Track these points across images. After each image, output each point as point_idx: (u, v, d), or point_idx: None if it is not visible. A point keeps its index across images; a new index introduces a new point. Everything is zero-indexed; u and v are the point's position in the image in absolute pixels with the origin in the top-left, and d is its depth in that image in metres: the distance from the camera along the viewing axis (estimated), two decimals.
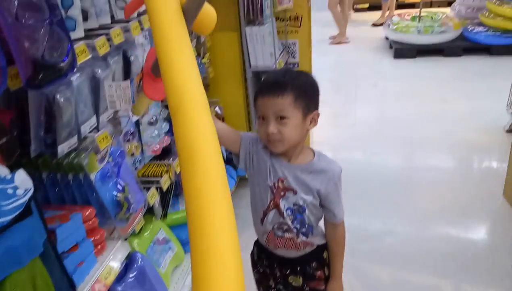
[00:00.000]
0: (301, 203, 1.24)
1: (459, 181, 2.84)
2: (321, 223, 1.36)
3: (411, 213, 2.58)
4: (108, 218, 1.41)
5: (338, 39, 6.32)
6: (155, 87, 0.93)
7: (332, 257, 1.36)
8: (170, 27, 0.70)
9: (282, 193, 1.24)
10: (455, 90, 4.28)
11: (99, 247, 1.35)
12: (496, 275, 2.06)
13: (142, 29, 1.64)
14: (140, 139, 1.72)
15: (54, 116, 1.17)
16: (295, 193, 1.23)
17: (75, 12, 1.26)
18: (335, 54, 5.95)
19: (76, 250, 1.24)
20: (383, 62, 5.44)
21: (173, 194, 2.06)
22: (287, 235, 1.29)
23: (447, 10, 6.62)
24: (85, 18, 1.36)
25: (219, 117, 2.71)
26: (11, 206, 0.82)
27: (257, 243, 1.43)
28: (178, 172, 2.03)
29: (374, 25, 7.21)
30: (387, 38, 5.98)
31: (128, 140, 1.62)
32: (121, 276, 1.48)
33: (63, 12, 1.19)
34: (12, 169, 0.91)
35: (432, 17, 5.71)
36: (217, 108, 2.64)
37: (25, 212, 0.84)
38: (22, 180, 0.87)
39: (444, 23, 5.38)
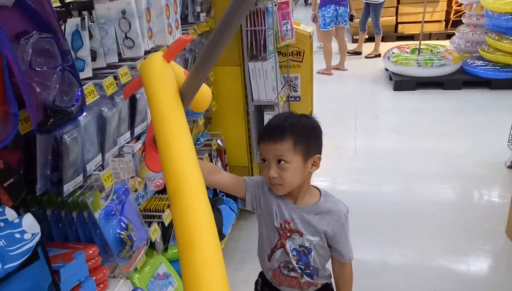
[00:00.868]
0: (307, 244, 1.25)
1: (460, 217, 2.82)
2: (329, 264, 1.36)
3: (412, 249, 2.56)
4: (110, 256, 1.41)
5: (324, 71, 6.40)
6: (157, 159, 0.94)
7: None
8: (168, 112, 0.71)
9: (288, 234, 1.25)
10: (455, 124, 4.31)
11: (101, 286, 1.35)
12: None
13: None
14: None
15: (61, 156, 1.19)
16: (301, 234, 1.24)
17: (85, 53, 1.30)
18: (335, 85, 6.02)
19: (79, 290, 1.23)
20: (383, 94, 5.50)
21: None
22: (292, 274, 1.30)
23: (446, 42, 6.73)
24: (94, 58, 1.40)
25: (221, 149, 2.73)
26: (19, 251, 0.83)
27: (261, 275, 1.44)
28: None
29: (367, 57, 7.29)
30: (387, 70, 6.06)
31: (132, 177, 1.63)
32: None
33: (72, 53, 1.23)
34: (17, 206, 0.92)
35: (432, 50, 5.80)
36: (219, 141, 2.67)
37: (32, 256, 0.85)
38: (30, 224, 0.89)
39: (444, 56, 5.45)
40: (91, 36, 1.35)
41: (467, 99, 5.05)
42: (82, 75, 1.28)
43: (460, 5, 6.62)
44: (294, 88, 3.14)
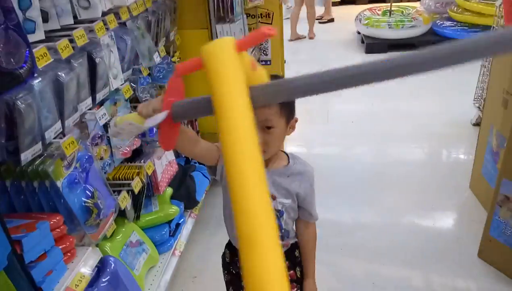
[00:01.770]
0: (279, 207, 1.25)
1: (428, 175, 2.91)
2: None
3: (382, 207, 2.63)
4: (77, 225, 1.38)
5: (295, 36, 6.36)
6: (171, 137, 0.82)
7: (304, 256, 1.38)
8: (242, 126, 0.63)
9: None
10: (425, 85, 4.36)
11: (68, 254, 1.33)
12: (463, 265, 2.13)
13: (107, 29, 1.60)
14: (109, 142, 1.69)
15: (15, 123, 1.13)
16: (274, 198, 1.23)
17: (34, 13, 1.22)
18: (306, 50, 5.97)
19: (45, 259, 1.21)
20: (354, 57, 5.49)
21: (145, 196, 2.03)
22: None
23: (416, 4, 6.72)
24: (46, 19, 1.32)
25: None
26: None
27: (229, 246, 1.43)
28: (149, 173, 2.01)
29: (320, 23, 7.14)
30: (359, 33, 6.04)
31: (97, 144, 1.58)
32: (94, 281, 1.46)
33: (21, 14, 1.15)
34: None
35: (402, 12, 5.80)
36: None
37: None
38: None
39: (414, 17, 5.46)
40: None
41: None
42: (34, 38, 1.21)
43: None
44: (264, 52, 3.09)
